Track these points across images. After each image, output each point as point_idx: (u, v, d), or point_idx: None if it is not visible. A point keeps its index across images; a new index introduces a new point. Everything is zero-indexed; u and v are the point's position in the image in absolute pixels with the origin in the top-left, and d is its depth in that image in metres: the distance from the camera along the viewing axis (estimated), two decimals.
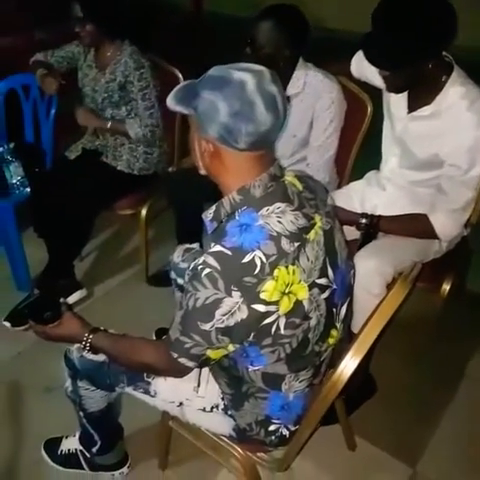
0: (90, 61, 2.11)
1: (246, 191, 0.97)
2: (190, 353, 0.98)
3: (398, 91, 1.46)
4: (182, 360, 0.99)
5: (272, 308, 0.94)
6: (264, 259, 0.92)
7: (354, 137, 1.85)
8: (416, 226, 1.50)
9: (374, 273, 1.40)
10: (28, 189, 2.13)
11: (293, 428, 1.16)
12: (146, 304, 2.16)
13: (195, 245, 1.61)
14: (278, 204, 0.96)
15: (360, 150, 1.88)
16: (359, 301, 1.26)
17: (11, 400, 1.79)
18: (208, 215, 1.02)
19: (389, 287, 1.39)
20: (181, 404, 1.22)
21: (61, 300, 1.20)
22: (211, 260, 0.92)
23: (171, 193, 2.07)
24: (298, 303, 0.97)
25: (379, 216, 1.54)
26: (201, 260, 0.94)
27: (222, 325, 0.93)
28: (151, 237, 2.32)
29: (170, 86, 2.15)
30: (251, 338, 0.97)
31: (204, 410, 1.20)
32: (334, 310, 1.07)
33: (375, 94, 1.71)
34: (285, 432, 1.15)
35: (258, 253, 0.92)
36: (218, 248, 0.93)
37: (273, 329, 0.96)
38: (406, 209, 1.56)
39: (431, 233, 1.47)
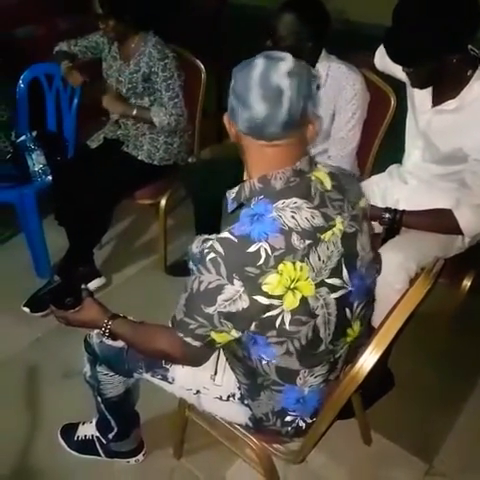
0: (114, 52, 2.11)
1: (267, 181, 0.96)
2: (195, 333, 0.98)
3: (422, 86, 1.43)
4: (188, 340, 0.99)
5: (275, 302, 0.92)
6: (270, 251, 0.90)
7: (377, 130, 1.81)
8: (440, 221, 1.46)
9: (397, 268, 1.37)
10: (50, 177, 2.14)
11: (310, 420, 1.14)
12: (164, 293, 2.12)
13: (214, 236, 1.59)
14: (295, 199, 0.94)
15: (382, 143, 1.84)
16: (381, 296, 1.23)
17: (29, 385, 1.81)
18: (231, 194, 1.01)
19: (411, 282, 1.36)
20: (198, 392, 1.22)
21: (83, 286, 1.21)
22: (217, 245, 0.92)
23: (190, 184, 2.07)
24: (303, 300, 0.94)
25: (403, 211, 1.50)
26: (209, 244, 0.93)
27: (224, 310, 0.93)
28: (170, 227, 2.32)
29: (193, 76, 2.17)
30: (254, 328, 0.96)
31: (221, 399, 1.20)
32: (347, 310, 1.04)
33: (398, 87, 1.68)
34: (301, 424, 1.14)
35: (264, 245, 0.90)
36: (226, 234, 0.92)
37: (277, 323, 0.95)
38: (429, 204, 1.52)
39: (455, 229, 1.44)
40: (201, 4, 3.86)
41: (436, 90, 1.46)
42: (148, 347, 1.10)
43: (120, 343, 1.24)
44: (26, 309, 2.04)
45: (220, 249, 0.91)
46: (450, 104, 1.41)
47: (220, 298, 0.92)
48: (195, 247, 1.54)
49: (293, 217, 0.92)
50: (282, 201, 0.94)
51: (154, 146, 2.14)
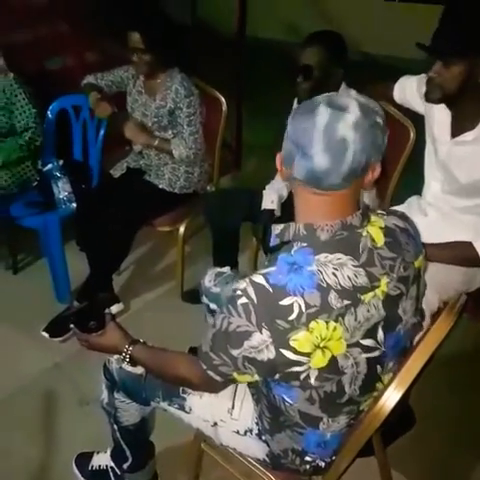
0: (139, 87, 2.15)
1: (312, 230, 0.90)
2: (218, 370, 0.95)
3: (440, 99, 1.40)
4: (210, 373, 0.97)
5: (303, 359, 0.88)
6: (303, 308, 0.86)
7: (396, 162, 1.80)
8: (461, 253, 1.42)
9: None
10: (74, 204, 2.17)
11: (329, 460, 1.09)
12: (180, 320, 2.14)
13: (226, 269, 1.59)
14: (340, 255, 0.89)
15: (402, 175, 1.83)
16: None
17: (45, 411, 1.79)
18: (276, 229, 0.96)
19: (433, 317, 1.31)
20: (215, 424, 1.18)
21: (106, 311, 1.21)
22: (251, 291, 0.88)
23: (209, 212, 2.07)
24: (333, 359, 0.90)
25: (422, 244, 1.47)
26: (242, 286, 0.89)
27: (250, 355, 0.89)
28: (187, 253, 2.32)
29: (214, 109, 2.20)
30: (277, 377, 0.92)
31: (238, 433, 1.16)
32: (379, 366, 0.98)
33: (417, 120, 1.67)
34: (321, 463, 1.09)
35: (299, 300, 0.86)
36: (261, 280, 0.88)
37: (302, 376, 0.91)
38: (449, 236, 1.49)
39: (476, 261, 1.40)
40: (221, 38, 3.98)
41: (455, 120, 1.45)
42: (167, 372, 1.09)
43: (139, 370, 1.22)
44: (45, 334, 2.04)
45: (253, 296, 0.88)
46: (469, 135, 1.40)
47: (247, 343, 0.89)
48: (208, 281, 1.57)
49: (334, 274, 0.87)
50: (325, 255, 0.89)
51: (175, 175, 2.16)
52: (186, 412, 1.21)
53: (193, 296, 2.21)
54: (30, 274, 2.45)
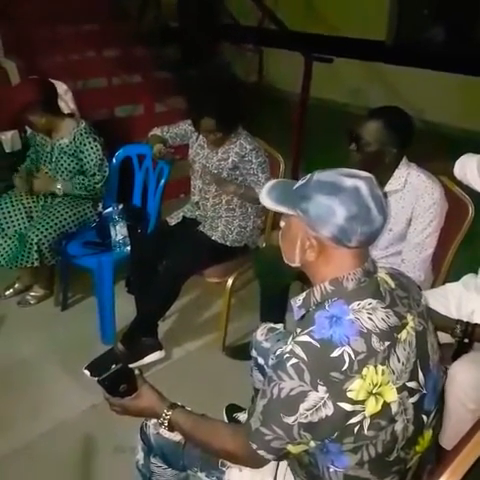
0: (201, 141, 2.30)
1: (339, 283, 0.99)
2: (270, 446, 0.96)
3: None
4: (261, 452, 0.97)
5: (358, 408, 0.92)
6: (353, 356, 0.91)
7: (453, 237, 1.83)
8: None
9: (471, 387, 1.32)
10: (129, 248, 2.30)
11: None
12: (220, 374, 2.17)
13: (279, 326, 1.62)
14: (369, 300, 0.97)
15: (458, 251, 1.85)
16: (452, 414, 1.20)
17: (80, 454, 1.82)
18: (297, 301, 1.04)
19: None
20: None
21: (136, 372, 1.19)
22: (298, 350, 0.92)
23: (259, 267, 2.13)
24: (386, 405, 0.94)
25: (475, 325, 1.47)
26: (288, 348, 0.94)
27: (305, 420, 0.92)
28: (233, 306, 2.36)
29: (271, 167, 2.30)
30: (334, 437, 0.94)
31: None
32: (423, 416, 1.02)
33: (476, 198, 1.72)
34: None
35: (347, 349, 0.91)
36: (306, 338, 0.93)
37: (356, 428, 0.93)
38: None
39: None
40: (284, 97, 4.18)
41: None
42: (208, 442, 1.08)
43: (177, 437, 1.21)
44: (86, 372, 2.11)
45: (302, 354, 0.92)
46: None
47: (302, 407, 0.91)
48: (260, 335, 1.59)
49: (370, 318, 0.94)
50: (357, 302, 0.96)
51: (228, 228, 2.26)
52: None
53: (236, 351, 2.27)
54: (78, 312, 2.56)
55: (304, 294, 1.04)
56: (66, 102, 2.73)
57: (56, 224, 2.35)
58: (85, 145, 2.34)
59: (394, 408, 0.95)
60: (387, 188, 1.73)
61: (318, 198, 0.97)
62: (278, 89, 5.06)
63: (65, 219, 2.38)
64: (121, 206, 2.33)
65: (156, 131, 2.40)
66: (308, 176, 1.02)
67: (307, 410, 0.91)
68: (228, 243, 2.25)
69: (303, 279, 1.89)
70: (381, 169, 1.69)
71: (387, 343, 0.94)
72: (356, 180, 0.97)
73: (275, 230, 2.57)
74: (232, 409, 1.88)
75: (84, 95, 3.08)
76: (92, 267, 2.26)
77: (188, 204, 2.40)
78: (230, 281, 2.24)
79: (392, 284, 1.03)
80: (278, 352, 0.96)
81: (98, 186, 2.38)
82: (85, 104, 2.91)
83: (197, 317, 2.59)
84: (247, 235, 2.29)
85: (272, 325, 1.62)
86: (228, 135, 2.17)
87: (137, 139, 2.78)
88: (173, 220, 2.36)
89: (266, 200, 1.06)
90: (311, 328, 0.95)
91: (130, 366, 1.21)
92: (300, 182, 1.03)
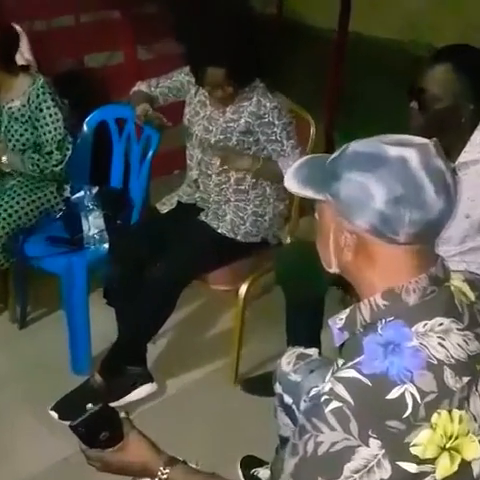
0: (203, 96, 2.27)
1: (395, 296, 0.97)
2: None
3: None
4: None
5: (427, 468, 0.90)
6: (418, 397, 0.89)
7: None
8: None
9: None
10: (106, 245, 2.29)
11: None
12: (231, 416, 2.16)
13: (312, 351, 1.62)
14: (440, 319, 0.95)
15: None
16: None
17: None
18: (338, 321, 1.03)
19: None
20: None
21: (121, 414, 1.20)
22: (341, 390, 0.91)
23: (282, 272, 2.11)
24: (465, 465, 0.92)
25: None
26: (327, 387, 0.93)
27: None
28: (248, 322, 2.35)
29: (298, 132, 2.26)
30: None
31: None
32: None
33: None
34: None
35: (410, 388, 0.89)
36: (352, 373, 0.92)
37: None
38: None
39: None
40: (313, 35, 4.14)
41: None
42: None
43: None
44: (54, 414, 2.12)
45: (346, 396, 0.91)
46: None
47: (348, 468, 0.89)
48: (286, 364, 1.58)
49: (441, 345, 0.93)
50: (423, 323, 0.95)
51: (240, 217, 2.24)
52: None
53: (253, 385, 2.25)
54: (40, 332, 2.55)
55: (347, 311, 1.03)
56: (19, 50, 2.71)
57: (10, 215, 2.35)
58: (42, 110, 2.33)
59: (477, 469, 0.94)
60: (461, 158, 1.70)
61: (351, 175, 0.96)
62: (304, 24, 4.97)
63: (22, 208, 2.37)
64: (95, 189, 2.32)
65: (141, 86, 2.38)
66: (343, 147, 1.01)
67: (355, 472, 0.89)
68: (239, 237, 2.23)
69: (344, 285, 1.88)
70: (454, 133, 1.67)
71: (466, 379, 0.93)
72: (403, 149, 0.95)
73: (304, 217, 2.55)
74: (249, 463, 1.88)
75: (43, 39, 3.06)
76: (58, 271, 2.26)
77: (184, 184, 2.38)
78: (243, 289, 2.22)
79: (472, 296, 1.02)
80: (313, 392, 0.98)
81: (57, 169, 2.38)
82: (45, 52, 2.89)
83: (199, 337, 2.58)
84: (265, 226, 2.27)
85: (302, 350, 1.61)
86: (241, 89, 2.15)
87: (115, 98, 2.77)
88: (165, 207, 2.35)
89: (291, 182, 1.05)
90: (358, 359, 0.94)
91: (112, 405, 1.22)
92: (334, 155, 1.03)
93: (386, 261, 0.99)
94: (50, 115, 2.32)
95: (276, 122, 2.13)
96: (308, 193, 1.03)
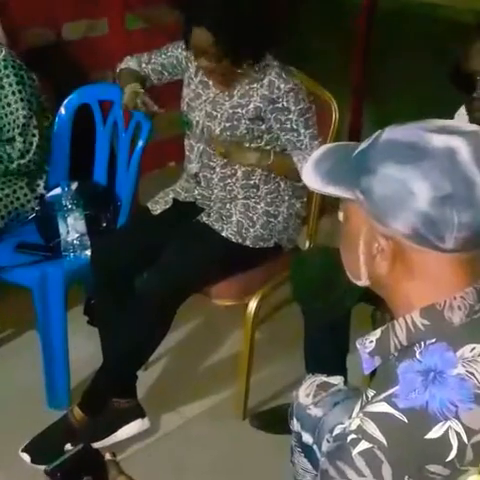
0: (204, 76, 2.25)
1: (437, 313, 0.98)
2: None
3: None
4: None
5: None
6: (465, 437, 0.90)
7: None
8: None
9: None
10: (88, 252, 2.28)
11: None
12: (239, 457, 2.16)
13: (337, 380, 1.61)
14: None
15: None
16: None
17: None
18: (367, 345, 1.04)
19: None
20: None
21: (107, 456, 1.21)
22: (372, 427, 0.91)
23: (300, 282, 2.10)
24: None
25: None
26: (354, 425, 0.93)
27: None
28: (259, 344, 2.35)
29: (319, 115, 2.26)
30: None
31: None
32: None
33: None
34: None
35: (455, 425, 0.90)
36: (385, 408, 0.92)
37: None
38: None
39: None
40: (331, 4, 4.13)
41: None
42: None
43: None
44: (25, 456, 2.11)
45: (378, 435, 0.91)
46: None
47: None
48: (304, 395, 1.58)
49: None
50: (471, 346, 0.95)
51: (248, 217, 2.24)
52: None
53: (265, 420, 2.25)
54: (9, 356, 2.55)
55: (378, 332, 1.04)
56: None
57: None
58: (2, 88, 2.33)
59: None
60: None
61: (386, 169, 0.96)
62: None
63: None
64: (75, 185, 2.32)
65: (130, 62, 2.38)
66: (375, 134, 1.02)
67: None
68: (248, 242, 2.23)
69: (374, 299, 1.86)
70: None
71: None
72: (450, 137, 0.95)
73: (325, 218, 2.55)
74: None
75: (13, 6, 3.06)
76: (31, 284, 2.25)
77: (181, 179, 2.38)
78: (252, 304, 2.22)
79: None
80: (337, 430, 0.99)
81: (23, 161, 2.38)
82: (12, 21, 2.88)
83: (200, 363, 2.58)
84: (278, 229, 2.27)
85: (324, 378, 1.61)
86: (238, 67, 2.12)
87: (99, 76, 2.80)
88: (158, 206, 2.34)
89: (311, 177, 1.05)
90: (392, 391, 0.94)
91: (95, 446, 1.24)
92: (363, 145, 1.03)
93: (427, 272, 0.99)
94: (13, 93, 2.32)
95: (292, 108, 2.12)
96: (333, 191, 1.02)
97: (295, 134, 2.15)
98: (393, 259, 0.99)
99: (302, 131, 2.14)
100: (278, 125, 2.15)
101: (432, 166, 0.93)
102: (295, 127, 2.14)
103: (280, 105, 2.12)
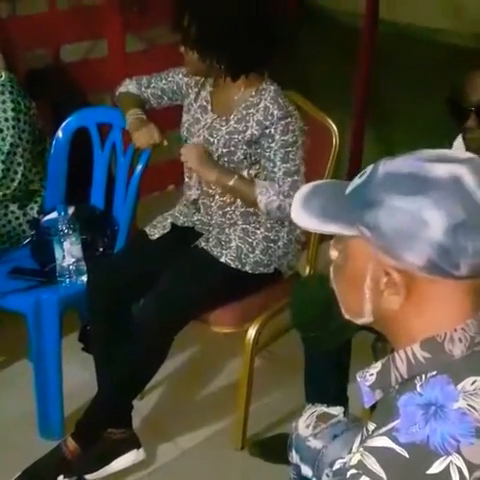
0: (204, 101, 2.28)
1: (438, 346, 0.98)
2: None
3: None
4: None
5: None
6: (466, 472, 0.89)
7: None
8: None
9: None
10: (84, 278, 2.27)
11: None
12: None
13: (337, 410, 1.61)
14: None
15: None
16: None
17: None
18: (368, 378, 1.04)
19: None
20: None
21: None
22: (372, 463, 0.90)
23: (300, 309, 2.09)
24: None
25: None
26: (355, 459, 0.92)
27: None
28: (258, 373, 2.34)
29: (318, 140, 2.26)
30: None
31: None
32: None
33: None
34: None
35: (456, 460, 0.89)
36: (385, 442, 0.92)
37: None
38: None
39: None
40: (335, 23, 4.16)
41: None
42: None
43: None
44: None
45: (379, 470, 0.90)
46: None
47: None
48: (304, 427, 1.57)
49: None
50: (471, 379, 0.95)
51: (248, 243, 2.23)
52: None
53: (264, 450, 2.24)
54: (1, 384, 2.53)
55: (379, 365, 1.03)
56: None
57: None
58: None
59: None
60: None
61: (393, 201, 0.96)
62: (323, 7, 5.02)
63: None
64: (72, 209, 2.32)
65: (130, 86, 2.40)
66: (369, 168, 1.02)
67: None
68: (247, 268, 2.22)
69: (375, 329, 1.86)
70: None
71: None
72: (452, 166, 0.96)
73: (325, 243, 2.54)
74: None
75: (10, 27, 3.08)
76: (25, 311, 2.24)
77: (180, 204, 2.39)
78: (252, 331, 2.22)
79: None
80: (337, 465, 0.98)
81: (8, 192, 2.37)
82: (12, 41, 2.88)
83: (198, 391, 2.57)
84: (278, 254, 2.27)
85: (325, 409, 1.60)
86: (212, 68, 2.14)
87: (97, 99, 2.80)
88: (156, 231, 2.34)
89: (303, 216, 1.04)
90: (393, 424, 0.94)
91: (89, 478, 1.18)
92: (356, 181, 1.03)
93: (436, 301, 0.99)
94: (6, 119, 2.33)
95: (276, 137, 2.11)
96: (334, 229, 1.01)
97: (271, 164, 2.14)
98: (407, 294, 0.98)
99: (278, 164, 2.12)
100: (260, 150, 2.15)
101: (443, 195, 0.93)
102: (272, 157, 2.13)
103: (267, 131, 2.12)
